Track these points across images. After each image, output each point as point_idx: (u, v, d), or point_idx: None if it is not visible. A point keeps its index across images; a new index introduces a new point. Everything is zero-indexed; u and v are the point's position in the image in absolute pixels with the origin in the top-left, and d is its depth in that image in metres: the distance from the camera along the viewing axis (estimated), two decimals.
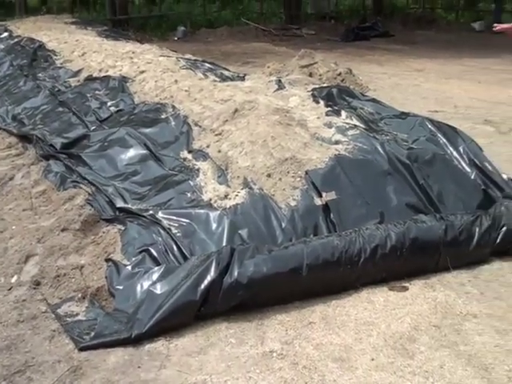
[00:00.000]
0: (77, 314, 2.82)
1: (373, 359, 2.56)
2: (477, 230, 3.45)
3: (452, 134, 4.38)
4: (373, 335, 2.73)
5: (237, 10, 19.97)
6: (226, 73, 6.29)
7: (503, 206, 3.66)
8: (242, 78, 6.10)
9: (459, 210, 3.67)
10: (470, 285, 3.20)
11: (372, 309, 2.95)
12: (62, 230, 3.54)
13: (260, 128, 4.08)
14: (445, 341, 2.70)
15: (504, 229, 3.51)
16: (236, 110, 4.47)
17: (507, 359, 2.57)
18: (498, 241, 3.48)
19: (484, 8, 21.69)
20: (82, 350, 2.60)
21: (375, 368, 2.50)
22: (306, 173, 3.64)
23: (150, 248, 3.12)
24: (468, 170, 4.05)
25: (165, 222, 3.29)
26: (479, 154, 4.22)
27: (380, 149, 3.96)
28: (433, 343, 2.68)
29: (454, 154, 4.17)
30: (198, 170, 3.84)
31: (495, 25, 2.46)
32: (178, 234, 3.21)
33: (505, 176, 4.17)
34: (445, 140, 4.28)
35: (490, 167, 4.14)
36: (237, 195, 3.51)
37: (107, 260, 3.15)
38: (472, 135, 4.64)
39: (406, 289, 3.15)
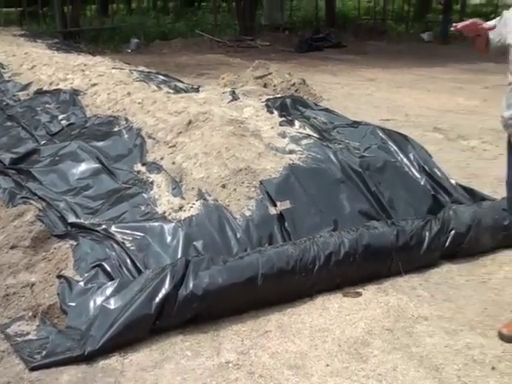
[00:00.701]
0: (27, 333, 2.75)
1: (328, 365, 2.59)
2: (427, 234, 3.54)
3: (402, 141, 4.49)
4: (328, 341, 2.77)
5: (191, 21, 19.91)
6: (180, 85, 6.28)
7: (451, 210, 3.76)
8: (197, 90, 6.10)
9: (410, 215, 3.76)
10: (421, 288, 3.28)
11: (327, 315, 2.99)
12: (12, 248, 3.44)
13: (214, 139, 4.09)
14: (397, 344, 2.76)
15: (452, 232, 3.62)
16: (190, 122, 4.47)
17: (456, 359, 2.64)
18: (447, 244, 3.59)
19: (432, 19, 22.35)
20: (33, 369, 2.53)
21: (330, 374, 2.53)
22: (261, 183, 3.67)
23: (103, 263, 3.08)
24: (418, 176, 4.16)
25: (118, 236, 3.25)
26: (429, 161, 4.35)
27: (333, 157, 4.03)
28: (386, 346, 2.73)
29: (405, 160, 4.27)
30: (151, 182, 3.81)
31: (454, 24, 2.52)
32: (132, 248, 3.18)
33: (453, 181, 4.30)
34: (395, 147, 4.39)
35: (439, 173, 4.26)
36: (191, 207, 3.51)
37: (59, 276, 3.08)
38: (422, 142, 4.78)
39: (359, 294, 3.20)
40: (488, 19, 2.66)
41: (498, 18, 2.65)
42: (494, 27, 2.57)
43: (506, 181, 2.85)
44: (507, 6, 2.76)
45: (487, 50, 2.68)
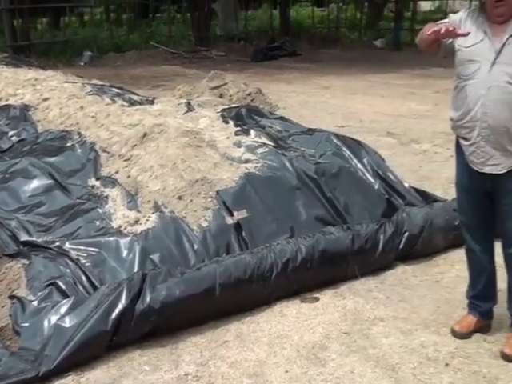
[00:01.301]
0: None
1: (287, 371, 2.61)
2: (381, 237, 3.62)
3: (356, 147, 4.58)
4: (286, 348, 2.79)
5: (145, 33, 19.79)
6: (135, 97, 6.24)
7: (405, 212, 3.86)
8: (151, 102, 6.07)
9: (365, 219, 3.83)
10: (376, 290, 3.34)
11: (285, 322, 3.01)
12: None
13: (170, 151, 4.08)
14: (355, 346, 2.80)
15: (406, 234, 3.70)
16: (145, 134, 4.45)
17: (411, 357, 2.71)
18: (401, 246, 3.67)
19: (384, 26, 22.87)
20: None
21: (289, 379, 2.55)
22: (217, 193, 3.68)
23: (58, 281, 3.03)
24: (372, 180, 4.24)
25: (73, 253, 3.20)
26: (382, 165, 4.44)
27: (288, 165, 4.08)
28: (343, 350, 2.77)
29: (359, 166, 4.35)
30: (106, 197, 3.78)
31: (428, 29, 2.53)
32: (87, 264, 3.14)
33: (406, 184, 4.40)
34: (350, 153, 4.47)
35: (392, 177, 4.36)
36: (147, 220, 3.49)
37: (11, 297, 3.01)
38: (376, 147, 4.88)
39: (317, 299, 3.24)
40: None
41: (445, 20, 2.72)
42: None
43: (455, 182, 2.93)
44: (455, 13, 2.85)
45: (438, 51, 2.74)
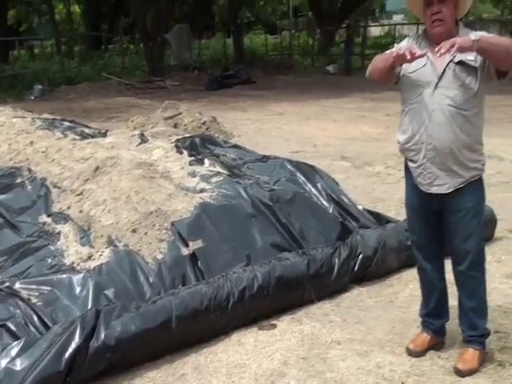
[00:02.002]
0: None
1: None
2: (336, 260, 3.66)
3: (310, 172, 4.65)
4: (244, 377, 2.78)
5: (98, 64, 19.73)
6: (87, 130, 6.18)
7: (359, 235, 3.92)
8: (104, 135, 6.03)
9: (320, 243, 3.88)
10: (333, 313, 3.37)
11: (243, 351, 3.01)
12: None
13: (123, 183, 4.06)
14: (312, 371, 2.81)
15: (360, 256, 3.76)
16: (97, 168, 4.42)
17: (368, 379, 2.74)
18: (356, 268, 3.72)
19: (336, 52, 23.49)
20: None
21: None
22: (172, 224, 3.67)
23: (7, 322, 2.94)
24: (326, 204, 4.31)
25: (23, 293, 3.12)
26: (336, 189, 4.52)
27: (243, 193, 4.10)
28: (301, 375, 2.78)
29: (313, 190, 4.42)
30: (58, 233, 3.71)
31: (438, 53, 2.57)
32: (39, 304, 3.07)
33: (360, 207, 4.49)
34: (304, 179, 4.53)
35: (346, 200, 4.44)
36: (101, 255, 3.45)
37: None
38: (330, 171, 4.98)
39: (274, 326, 3.25)
40: (387, 50, 2.81)
41: (392, 50, 2.81)
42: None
43: (405, 202, 3.01)
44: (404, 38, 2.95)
45: (391, 78, 2.80)
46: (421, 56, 2.60)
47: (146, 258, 3.43)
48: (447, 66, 2.62)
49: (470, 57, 2.59)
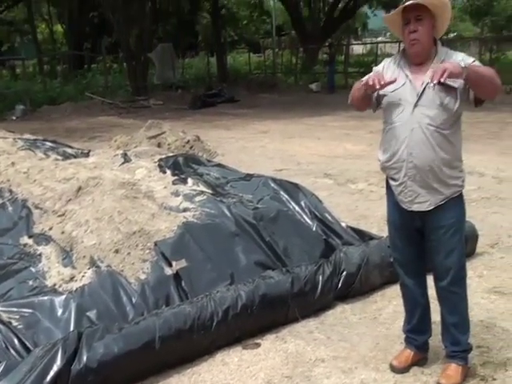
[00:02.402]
0: None
1: None
2: (320, 278, 3.67)
3: (294, 190, 4.67)
4: None
5: (81, 84, 19.68)
6: (70, 150, 6.17)
7: (342, 252, 3.93)
8: (87, 155, 6.02)
9: (304, 261, 3.88)
10: (317, 331, 3.37)
11: (227, 370, 2.99)
12: None
13: (106, 204, 4.05)
14: None
15: (344, 273, 3.77)
16: (80, 188, 4.41)
17: None
18: (340, 285, 3.73)
19: (319, 70, 23.74)
20: None
21: None
22: (155, 244, 3.66)
23: None
24: (310, 222, 4.32)
25: (4, 316, 3.09)
26: (319, 207, 4.54)
27: (227, 212, 4.11)
28: None
29: (297, 208, 4.43)
30: (40, 254, 3.68)
31: (431, 81, 2.60)
32: (20, 327, 3.03)
33: (343, 224, 4.51)
34: (287, 197, 4.55)
35: (329, 218, 4.46)
36: (83, 276, 3.42)
37: None
38: (313, 189, 5.00)
39: (258, 345, 3.24)
40: (369, 68, 2.86)
41: (370, 74, 2.85)
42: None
43: (387, 219, 3.04)
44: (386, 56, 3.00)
45: (371, 105, 2.86)
46: (390, 82, 2.65)
47: (128, 278, 3.41)
48: (427, 84, 2.65)
49: None
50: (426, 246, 2.85)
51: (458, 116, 2.71)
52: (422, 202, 2.75)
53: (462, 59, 2.63)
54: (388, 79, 2.66)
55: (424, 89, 2.66)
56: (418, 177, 2.71)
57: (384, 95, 2.78)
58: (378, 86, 2.61)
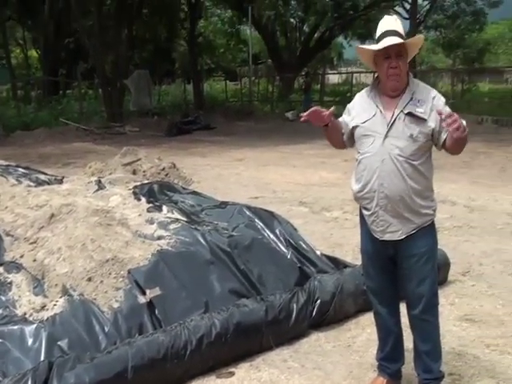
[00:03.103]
0: None
1: None
2: (294, 306, 3.67)
3: (269, 218, 4.68)
4: None
5: (55, 110, 19.56)
6: (43, 176, 6.12)
7: (316, 280, 3.95)
8: (60, 181, 5.98)
9: (279, 289, 3.88)
10: (291, 360, 3.36)
11: None
12: None
13: (79, 231, 4.01)
14: None
15: (318, 301, 3.78)
16: (52, 215, 4.36)
17: None
18: (314, 313, 3.74)
19: (295, 99, 24.06)
20: None
21: None
22: (129, 272, 3.63)
23: None
24: (285, 250, 4.33)
25: None
26: (294, 235, 4.56)
27: (201, 239, 4.10)
28: None
29: (271, 236, 4.44)
30: (10, 283, 3.61)
31: (301, 114, 2.76)
32: None
33: (318, 252, 4.53)
34: (262, 224, 4.56)
35: (304, 246, 4.48)
36: (55, 305, 3.37)
37: None
38: (288, 217, 5.02)
39: (232, 374, 3.21)
40: (345, 97, 2.93)
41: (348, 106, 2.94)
42: (333, 111, 2.84)
43: (360, 248, 3.07)
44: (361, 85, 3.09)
45: (343, 140, 2.95)
46: (329, 114, 2.77)
47: (101, 307, 3.37)
48: (397, 116, 2.71)
49: (420, 109, 2.70)
50: (399, 274, 2.87)
51: (427, 147, 2.76)
52: (394, 231, 2.78)
53: (435, 96, 2.71)
54: (325, 112, 2.77)
55: (394, 120, 2.71)
56: (390, 207, 2.75)
57: (356, 126, 2.84)
58: (313, 120, 2.74)
